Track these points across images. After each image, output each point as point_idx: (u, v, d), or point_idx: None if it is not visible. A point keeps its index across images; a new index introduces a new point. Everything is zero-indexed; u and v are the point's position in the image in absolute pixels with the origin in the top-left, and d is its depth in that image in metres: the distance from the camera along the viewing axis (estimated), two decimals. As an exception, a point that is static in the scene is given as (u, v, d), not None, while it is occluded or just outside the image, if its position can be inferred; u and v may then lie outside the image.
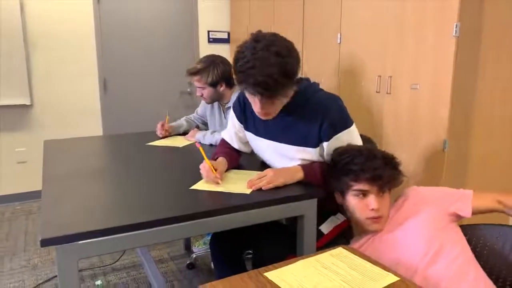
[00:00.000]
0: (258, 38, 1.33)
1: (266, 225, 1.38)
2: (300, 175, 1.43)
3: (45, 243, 0.97)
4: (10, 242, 2.93)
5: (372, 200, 1.29)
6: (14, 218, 3.40)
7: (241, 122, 1.67)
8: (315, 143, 1.45)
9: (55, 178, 1.52)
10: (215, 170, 1.44)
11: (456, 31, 2.01)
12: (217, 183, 1.41)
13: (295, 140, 1.48)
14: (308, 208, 1.35)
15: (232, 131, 1.71)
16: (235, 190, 1.37)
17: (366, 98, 2.63)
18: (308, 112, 1.45)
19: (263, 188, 1.36)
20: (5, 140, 3.66)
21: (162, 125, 2.37)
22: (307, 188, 1.39)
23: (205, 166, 1.45)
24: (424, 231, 1.24)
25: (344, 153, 1.37)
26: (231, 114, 1.71)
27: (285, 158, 1.53)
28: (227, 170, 1.58)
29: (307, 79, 1.55)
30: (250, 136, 1.65)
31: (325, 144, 1.44)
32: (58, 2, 3.67)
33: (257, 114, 1.44)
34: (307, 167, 1.46)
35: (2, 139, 3.64)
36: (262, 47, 1.29)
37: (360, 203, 1.32)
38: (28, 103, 3.61)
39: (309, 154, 1.48)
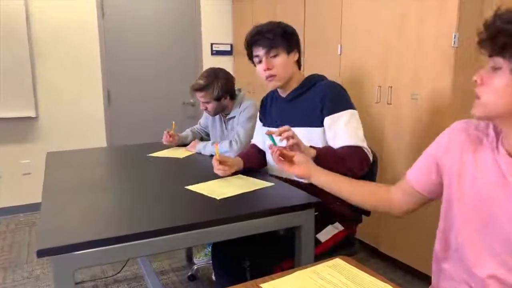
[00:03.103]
0: None
1: (260, 234, 1.38)
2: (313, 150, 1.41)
3: (41, 253, 0.98)
4: (13, 254, 2.94)
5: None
6: (18, 229, 3.42)
7: (260, 120, 1.83)
8: (319, 121, 1.52)
9: (55, 190, 1.53)
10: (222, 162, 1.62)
11: (454, 41, 2.02)
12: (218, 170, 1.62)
13: (301, 121, 1.57)
14: (305, 218, 1.34)
15: (259, 131, 1.87)
16: (222, 195, 1.41)
17: (367, 109, 2.64)
18: (312, 95, 1.56)
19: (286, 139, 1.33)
20: (10, 152, 3.69)
21: (168, 132, 2.41)
22: (304, 198, 1.39)
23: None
24: None
25: None
26: (257, 120, 1.89)
27: None
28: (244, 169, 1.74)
29: (316, 73, 1.68)
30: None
31: (325, 120, 1.50)
32: (64, 15, 3.73)
33: (265, 76, 1.61)
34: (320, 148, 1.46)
35: (7, 151, 3.68)
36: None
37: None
38: (33, 115, 3.66)
39: (315, 135, 1.52)
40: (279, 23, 1.62)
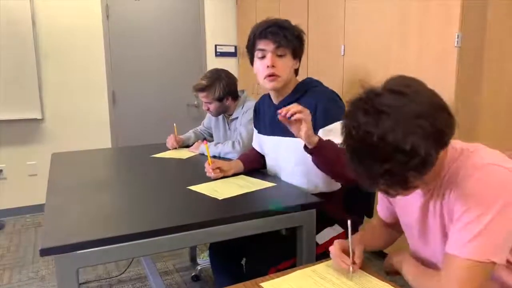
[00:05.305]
0: None
1: (258, 234, 1.38)
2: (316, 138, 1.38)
3: (44, 252, 0.99)
4: (19, 254, 2.96)
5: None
6: (24, 230, 3.45)
7: (255, 127, 1.80)
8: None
9: (59, 190, 1.55)
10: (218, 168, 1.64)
11: (457, 41, 2.02)
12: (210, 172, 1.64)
13: (290, 131, 1.50)
14: (306, 219, 1.35)
15: (255, 137, 1.84)
16: (224, 195, 1.42)
17: (370, 109, 2.63)
18: (305, 103, 1.44)
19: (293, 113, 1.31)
20: (16, 153, 3.73)
21: (176, 139, 2.42)
22: (305, 199, 1.40)
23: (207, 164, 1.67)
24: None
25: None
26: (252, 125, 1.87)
27: (288, 155, 1.56)
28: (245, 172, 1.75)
29: (309, 78, 1.63)
30: (261, 139, 1.74)
31: (320, 132, 1.43)
32: (69, 17, 3.76)
33: (266, 74, 1.51)
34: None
35: (13, 152, 3.72)
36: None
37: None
38: (39, 117, 3.69)
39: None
40: (295, 25, 1.54)
